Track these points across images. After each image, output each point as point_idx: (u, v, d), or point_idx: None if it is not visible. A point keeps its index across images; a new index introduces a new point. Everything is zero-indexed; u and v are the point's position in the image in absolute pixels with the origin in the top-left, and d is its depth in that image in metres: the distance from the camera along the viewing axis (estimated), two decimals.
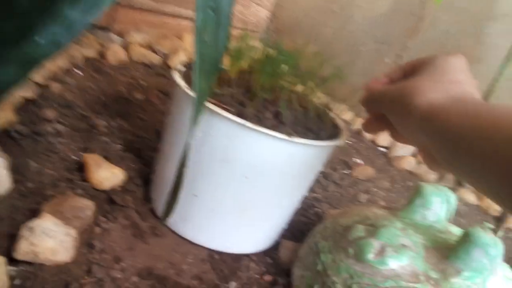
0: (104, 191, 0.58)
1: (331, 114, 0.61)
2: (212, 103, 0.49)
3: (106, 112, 0.78)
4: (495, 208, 1.04)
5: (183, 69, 0.58)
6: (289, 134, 0.49)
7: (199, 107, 0.38)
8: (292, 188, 0.56)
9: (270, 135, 0.48)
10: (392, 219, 0.52)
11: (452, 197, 0.53)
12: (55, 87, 0.78)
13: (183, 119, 0.53)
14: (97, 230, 0.51)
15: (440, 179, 0.99)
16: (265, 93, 0.55)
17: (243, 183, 0.52)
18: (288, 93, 0.57)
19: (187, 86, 0.51)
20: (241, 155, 0.50)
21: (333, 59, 0.59)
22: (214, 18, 0.39)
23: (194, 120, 0.38)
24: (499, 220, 0.44)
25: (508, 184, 0.26)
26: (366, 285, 0.45)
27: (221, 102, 0.52)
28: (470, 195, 1.06)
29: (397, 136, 0.41)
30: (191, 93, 0.49)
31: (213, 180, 0.52)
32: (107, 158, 0.63)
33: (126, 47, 1.09)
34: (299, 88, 0.60)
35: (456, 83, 0.35)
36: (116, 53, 1.03)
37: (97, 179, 0.57)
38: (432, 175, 1.07)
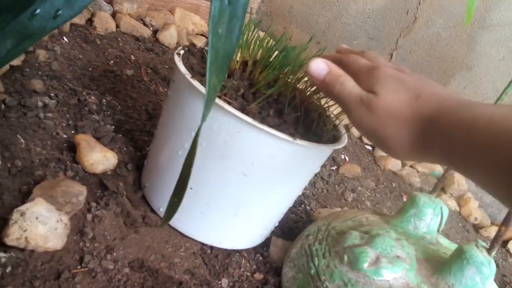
0: (95, 175, 0.56)
1: (331, 115, 0.61)
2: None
3: (95, 87, 0.74)
4: (475, 216, 1.08)
5: (182, 52, 0.56)
6: (292, 135, 0.48)
7: (209, 104, 0.37)
8: (289, 188, 0.56)
9: (273, 135, 0.47)
10: (386, 228, 0.53)
11: (445, 210, 0.54)
12: (42, 54, 0.74)
13: (183, 108, 0.51)
14: (89, 216, 0.49)
15: (424, 183, 1.02)
16: (268, 89, 0.54)
17: (241, 180, 0.51)
18: (292, 90, 0.56)
19: (190, 74, 0.49)
20: (241, 152, 0.49)
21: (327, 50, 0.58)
22: (230, 9, 0.37)
23: (204, 117, 0.37)
24: (493, 240, 0.45)
25: None
26: None
27: (224, 95, 0.50)
28: (451, 202, 1.09)
29: None
30: (195, 83, 0.48)
31: (210, 175, 0.51)
32: (99, 139, 0.60)
33: (115, 16, 1.04)
34: (302, 85, 0.60)
35: (420, 98, 0.33)
36: (104, 22, 0.99)
37: (89, 162, 0.55)
38: (416, 178, 1.09)
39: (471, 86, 1.07)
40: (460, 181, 1.11)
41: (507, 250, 1.06)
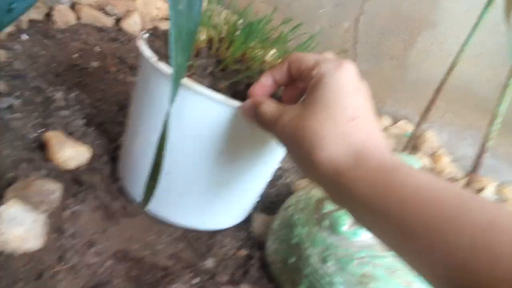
0: (69, 171, 0.55)
1: None
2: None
3: (61, 82, 0.73)
4: (449, 171, 1.11)
5: (146, 36, 0.55)
6: None
7: (176, 83, 0.36)
8: (267, 162, 0.56)
9: None
10: None
11: (418, 164, 0.56)
12: (1, 54, 0.72)
13: (152, 93, 0.50)
14: (66, 213, 0.49)
15: (399, 144, 1.03)
16: (236, 64, 0.54)
17: (218, 159, 0.51)
18: (260, 63, 0.56)
19: (155, 57, 0.49)
20: (215, 130, 0.49)
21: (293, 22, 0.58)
22: None
23: (172, 98, 0.36)
24: (465, 186, 0.47)
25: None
26: (341, 256, 0.47)
27: (192, 74, 0.50)
28: (425, 160, 1.11)
29: None
30: (162, 66, 0.47)
31: (187, 157, 0.51)
32: (70, 134, 0.60)
33: (74, 8, 1.02)
34: (270, 57, 0.59)
35: (354, 120, 0.33)
36: (64, 15, 0.96)
37: (61, 159, 0.54)
38: (390, 140, 1.11)
39: (436, 44, 1.08)
40: (431, 139, 1.14)
41: None
